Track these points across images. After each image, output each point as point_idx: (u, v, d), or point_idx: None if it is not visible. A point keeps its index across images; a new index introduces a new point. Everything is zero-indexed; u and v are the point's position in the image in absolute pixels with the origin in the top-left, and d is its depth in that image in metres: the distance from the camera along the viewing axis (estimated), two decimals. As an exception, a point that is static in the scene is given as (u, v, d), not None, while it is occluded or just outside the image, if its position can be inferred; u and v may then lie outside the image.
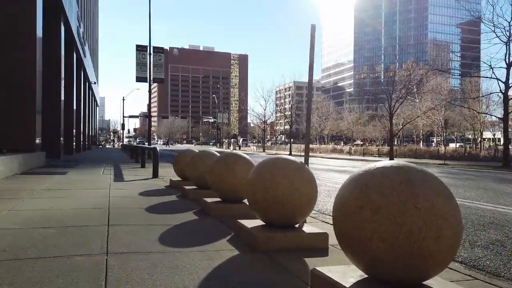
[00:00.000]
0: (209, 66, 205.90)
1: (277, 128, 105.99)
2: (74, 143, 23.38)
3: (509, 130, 24.47)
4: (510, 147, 22.74)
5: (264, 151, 50.34)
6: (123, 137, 70.05)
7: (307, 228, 3.78)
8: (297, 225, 3.84)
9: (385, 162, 2.28)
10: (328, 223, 4.95)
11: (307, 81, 4.43)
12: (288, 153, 41.63)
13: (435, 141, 63.72)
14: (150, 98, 23.72)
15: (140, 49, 22.45)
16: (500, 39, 21.49)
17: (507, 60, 21.45)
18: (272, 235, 3.50)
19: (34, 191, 6.82)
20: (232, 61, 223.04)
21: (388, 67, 39.26)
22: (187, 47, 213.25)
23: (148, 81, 22.84)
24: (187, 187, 6.99)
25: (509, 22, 21.28)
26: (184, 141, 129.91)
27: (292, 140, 50.81)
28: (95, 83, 44.26)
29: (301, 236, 3.57)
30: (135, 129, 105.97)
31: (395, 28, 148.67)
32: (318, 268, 2.46)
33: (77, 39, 23.23)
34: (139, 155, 16.52)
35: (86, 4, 33.30)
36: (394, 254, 2.00)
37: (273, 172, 3.65)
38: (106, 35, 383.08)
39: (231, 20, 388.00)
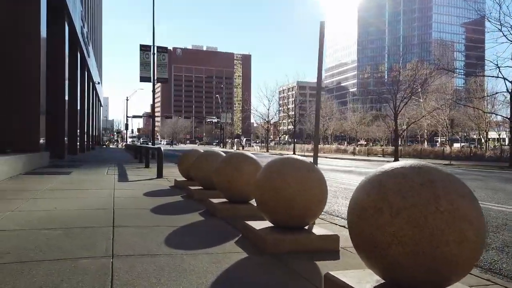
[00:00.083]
0: (212, 66, 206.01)
1: (280, 128, 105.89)
2: (78, 143, 23.38)
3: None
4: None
5: (267, 151, 50.23)
6: (126, 137, 70.18)
7: (317, 230, 3.68)
8: (306, 227, 3.74)
9: (403, 162, 2.18)
10: (336, 224, 4.85)
11: (315, 80, 4.33)
12: (292, 153, 41.50)
13: (439, 141, 63.35)
14: (154, 98, 23.69)
15: (144, 48, 22.42)
16: (507, 38, 21.29)
17: (514, 58, 21.23)
18: (281, 237, 3.41)
19: (38, 191, 6.76)
20: (235, 61, 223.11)
21: (393, 66, 38.99)
22: (190, 47, 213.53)
23: (152, 81, 22.80)
24: (192, 188, 6.91)
25: (516, 21, 21.11)
26: (188, 141, 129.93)
27: (295, 140, 50.64)
28: (99, 83, 44.32)
29: (311, 238, 3.48)
30: (138, 129, 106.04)
31: (399, 28, 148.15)
32: (331, 273, 2.36)
33: (81, 39, 23.23)
34: (143, 155, 16.46)
35: (90, 4, 33.33)
36: (414, 259, 1.90)
37: (283, 172, 3.56)
38: (110, 35, 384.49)
39: (234, 20, 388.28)
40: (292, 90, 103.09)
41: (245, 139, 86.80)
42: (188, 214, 5.08)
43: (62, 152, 17.16)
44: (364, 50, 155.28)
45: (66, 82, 18.57)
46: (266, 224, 3.83)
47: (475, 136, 54.67)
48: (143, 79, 22.67)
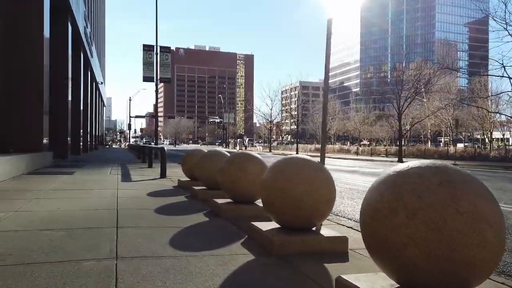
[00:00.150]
0: (214, 66, 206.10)
1: (283, 128, 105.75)
2: (81, 143, 23.38)
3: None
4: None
5: (270, 151, 50.13)
6: (129, 137, 70.28)
7: (325, 231, 3.60)
8: (313, 228, 3.66)
9: (418, 161, 2.09)
10: (343, 225, 4.77)
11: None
12: (295, 153, 41.39)
13: (442, 141, 63.08)
14: (157, 98, 23.65)
15: (147, 48, 22.39)
16: (512, 36, 21.11)
17: (519, 58, 21.08)
18: (288, 239, 3.33)
19: (41, 192, 6.71)
20: (238, 61, 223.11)
21: (396, 66, 38.79)
22: (192, 47, 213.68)
23: (155, 80, 22.77)
24: (196, 188, 6.84)
25: (521, 20, 20.91)
26: (190, 141, 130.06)
27: (298, 140, 50.52)
28: (102, 83, 44.37)
29: (319, 239, 3.40)
30: (141, 129, 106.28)
31: (402, 27, 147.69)
32: (343, 276, 2.28)
33: (84, 39, 23.22)
34: (146, 155, 16.42)
35: (93, 4, 33.35)
36: (432, 262, 1.82)
37: (290, 172, 3.48)
38: (113, 35, 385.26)
39: (236, 20, 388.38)
40: (295, 90, 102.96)
41: (247, 139, 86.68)
42: (192, 215, 5.01)
43: (65, 152, 17.14)
44: (367, 50, 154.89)
45: (69, 82, 18.56)
46: (273, 225, 3.76)
47: (478, 136, 54.41)
48: (146, 79, 22.63)
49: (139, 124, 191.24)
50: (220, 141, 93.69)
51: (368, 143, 67.88)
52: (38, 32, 12.38)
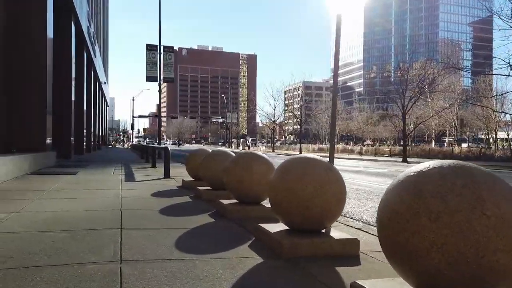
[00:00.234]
0: (217, 66, 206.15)
1: (286, 128, 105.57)
2: (84, 143, 23.35)
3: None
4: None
5: (273, 151, 50.00)
6: (132, 137, 70.34)
7: (335, 234, 3.49)
8: (323, 230, 3.55)
9: (439, 161, 1.98)
10: (352, 227, 4.66)
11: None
12: (298, 153, 41.27)
13: (446, 141, 62.76)
14: (160, 97, 23.60)
15: (150, 48, 22.32)
16: (518, 35, 20.90)
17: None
18: (298, 241, 3.23)
19: (44, 192, 6.63)
20: (240, 61, 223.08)
21: (401, 65, 38.58)
22: (195, 47, 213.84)
23: (158, 80, 22.71)
24: (200, 188, 6.75)
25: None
26: (193, 141, 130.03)
27: (301, 140, 50.36)
28: (105, 83, 44.39)
29: (330, 242, 3.29)
30: (144, 129, 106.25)
31: (405, 27, 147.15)
32: (359, 282, 2.17)
33: (87, 39, 23.19)
34: (149, 155, 16.35)
35: (97, 4, 33.35)
36: (457, 269, 1.71)
37: (299, 172, 3.37)
38: (116, 35, 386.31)
39: (239, 20, 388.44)
40: (298, 90, 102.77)
41: (250, 139, 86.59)
42: (197, 216, 4.91)
43: (69, 152, 17.10)
44: (370, 49, 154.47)
45: (73, 82, 18.52)
46: (281, 226, 3.65)
47: (483, 136, 54.07)
48: (150, 78, 22.56)
49: (142, 124, 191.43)
50: (223, 141, 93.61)
51: (372, 143, 67.63)
52: (42, 32, 12.32)
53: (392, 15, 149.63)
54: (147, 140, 74.72)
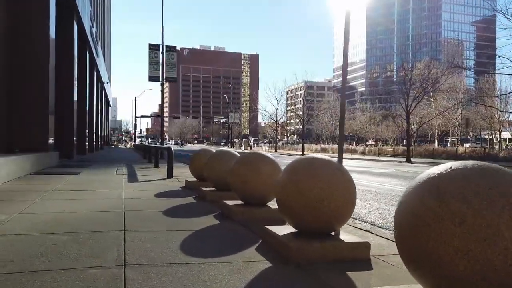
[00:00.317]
0: (220, 66, 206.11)
1: (288, 128, 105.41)
2: (87, 143, 23.29)
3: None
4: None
5: (276, 151, 49.88)
6: (135, 137, 70.40)
7: (345, 237, 3.38)
8: (332, 233, 3.44)
9: (460, 162, 1.88)
10: (360, 229, 4.55)
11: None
12: (301, 153, 41.14)
13: (450, 141, 62.49)
14: (162, 97, 23.52)
15: (153, 48, 22.24)
16: (523, 34, 20.70)
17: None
18: (307, 245, 3.12)
19: (46, 192, 6.55)
20: (243, 61, 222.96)
21: (404, 65, 38.35)
22: (198, 47, 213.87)
23: (160, 80, 22.63)
24: (204, 189, 6.65)
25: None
26: (195, 141, 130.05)
27: (304, 140, 50.22)
28: (107, 83, 44.39)
29: (340, 245, 3.18)
30: (147, 129, 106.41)
31: (408, 27, 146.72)
32: (375, 289, 2.07)
33: (90, 39, 23.14)
34: (152, 155, 16.27)
35: (99, 4, 33.32)
36: (484, 277, 1.60)
37: (308, 173, 3.27)
38: (118, 35, 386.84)
39: (241, 20, 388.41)
40: (300, 90, 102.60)
41: (252, 139, 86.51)
42: (202, 217, 4.81)
43: (71, 152, 17.04)
44: (373, 49, 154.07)
45: (75, 82, 18.47)
46: (289, 229, 3.55)
47: (486, 136, 53.80)
48: (152, 78, 22.48)
49: (145, 124, 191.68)
50: (225, 141, 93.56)
51: (374, 143, 67.44)
52: (44, 32, 12.26)
53: (395, 14, 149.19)
54: (150, 140, 74.77)
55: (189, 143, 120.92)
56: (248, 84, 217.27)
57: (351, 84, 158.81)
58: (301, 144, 47.73)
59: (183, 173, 10.41)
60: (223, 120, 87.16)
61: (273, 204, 5.04)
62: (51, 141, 12.64)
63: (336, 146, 52.56)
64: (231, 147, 66.80)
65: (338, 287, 2.50)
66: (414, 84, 30.32)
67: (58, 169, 11.50)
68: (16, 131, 11.40)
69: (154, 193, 6.87)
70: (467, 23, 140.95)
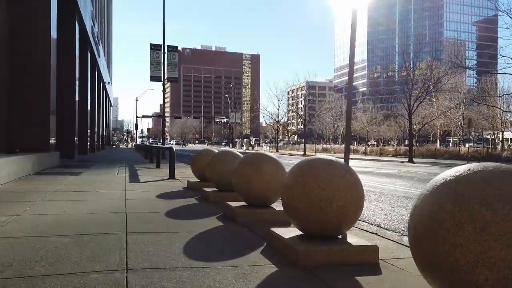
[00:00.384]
0: (221, 66, 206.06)
1: (289, 128, 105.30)
2: (88, 143, 23.24)
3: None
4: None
5: (277, 151, 49.80)
6: (136, 137, 70.40)
7: (353, 240, 3.30)
8: (340, 236, 3.36)
9: (479, 164, 1.79)
10: (367, 231, 4.47)
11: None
12: (302, 153, 41.04)
13: (451, 141, 62.31)
14: (164, 97, 23.45)
15: (154, 48, 22.17)
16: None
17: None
18: (313, 248, 3.04)
19: (47, 193, 6.48)
20: (244, 61, 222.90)
21: (406, 65, 38.24)
22: (199, 47, 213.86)
23: (162, 80, 22.56)
24: (207, 189, 6.58)
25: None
26: (197, 141, 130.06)
27: (305, 140, 50.12)
28: (109, 83, 44.37)
29: (348, 249, 3.10)
30: (148, 129, 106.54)
31: (410, 27, 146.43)
32: (388, 296, 1.98)
33: (91, 39, 23.09)
34: (153, 155, 16.20)
35: (100, 4, 33.28)
36: (506, 286, 1.52)
37: (315, 174, 3.18)
38: (119, 35, 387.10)
39: (242, 20, 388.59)
40: (302, 90, 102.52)
41: (254, 139, 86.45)
42: (205, 219, 4.73)
43: (72, 152, 16.98)
44: (374, 49, 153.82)
45: (77, 82, 18.41)
46: (294, 231, 3.47)
47: (488, 136, 53.61)
48: (154, 78, 22.40)
49: (146, 124, 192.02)
50: (226, 141, 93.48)
51: (375, 143, 67.29)
52: (45, 32, 12.20)
53: (396, 14, 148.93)
54: (151, 140, 74.75)
55: (190, 143, 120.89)
56: (250, 84, 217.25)
57: (352, 84, 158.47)
58: (303, 144, 47.63)
59: (185, 174, 10.33)
60: (225, 120, 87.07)
61: (276, 206, 4.96)
62: (52, 141, 12.57)
63: (337, 146, 52.38)
64: (233, 147, 66.74)
65: (348, 294, 2.42)
66: (416, 84, 30.20)
67: (59, 170, 11.43)
68: (16, 131, 11.33)
69: (156, 194, 6.79)
70: (469, 23, 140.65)
